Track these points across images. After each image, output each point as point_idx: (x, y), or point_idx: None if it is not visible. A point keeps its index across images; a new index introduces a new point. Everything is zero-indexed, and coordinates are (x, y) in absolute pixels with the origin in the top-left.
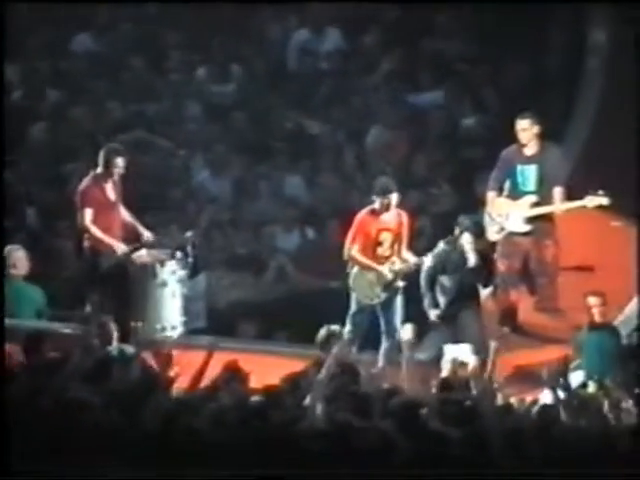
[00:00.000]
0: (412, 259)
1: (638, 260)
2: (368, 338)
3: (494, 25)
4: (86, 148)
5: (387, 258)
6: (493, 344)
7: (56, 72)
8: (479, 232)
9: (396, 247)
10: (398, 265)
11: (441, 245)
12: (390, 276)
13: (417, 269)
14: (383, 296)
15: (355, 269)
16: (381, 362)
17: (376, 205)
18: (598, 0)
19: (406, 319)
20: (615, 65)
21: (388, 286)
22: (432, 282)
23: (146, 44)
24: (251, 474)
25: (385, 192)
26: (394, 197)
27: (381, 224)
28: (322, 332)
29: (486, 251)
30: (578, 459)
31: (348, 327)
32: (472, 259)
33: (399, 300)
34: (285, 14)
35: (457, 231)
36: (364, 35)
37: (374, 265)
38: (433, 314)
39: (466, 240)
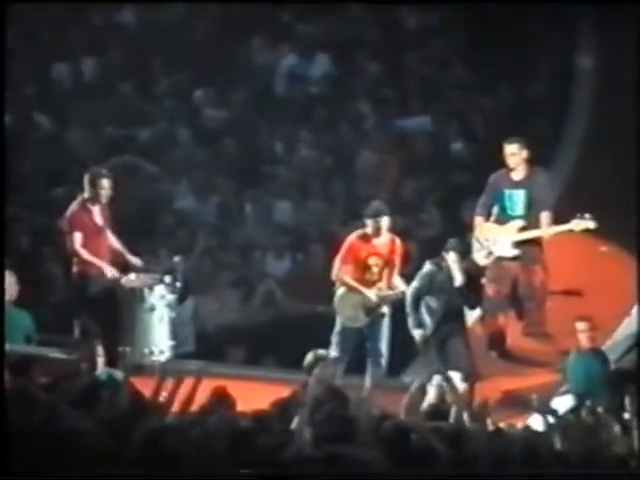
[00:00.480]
0: (401, 286)
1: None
2: (358, 362)
3: (482, 50)
4: (75, 173)
5: (375, 283)
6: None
7: (43, 97)
8: (465, 251)
9: (386, 273)
10: (385, 291)
11: (427, 266)
12: (375, 301)
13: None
14: (366, 320)
15: (341, 291)
16: (367, 386)
17: (368, 229)
18: (584, 26)
19: (393, 344)
20: (603, 91)
21: (372, 311)
22: (417, 302)
23: (134, 69)
24: None
25: (376, 215)
26: (385, 221)
27: (372, 248)
28: (309, 357)
29: (472, 271)
30: None
31: (333, 349)
32: (458, 279)
33: (385, 325)
34: (274, 39)
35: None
36: (352, 60)
37: (361, 288)
38: (417, 334)
39: (452, 259)
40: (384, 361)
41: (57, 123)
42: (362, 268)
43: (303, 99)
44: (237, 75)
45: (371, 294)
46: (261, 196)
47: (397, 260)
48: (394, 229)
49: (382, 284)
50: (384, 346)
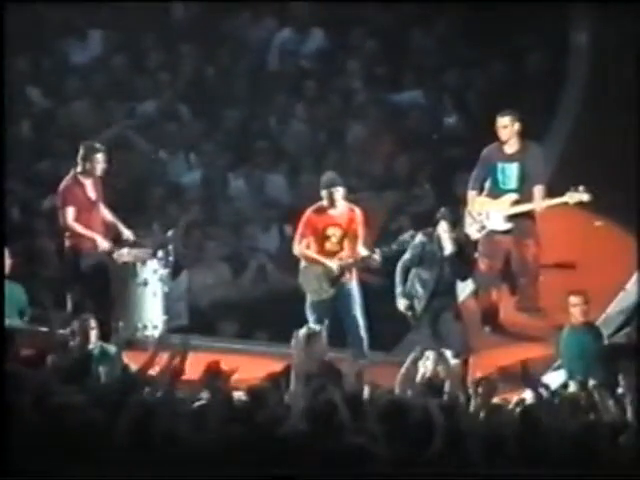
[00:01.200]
0: (365, 253)
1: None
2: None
3: (475, 24)
4: (68, 146)
5: (335, 253)
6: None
7: (37, 71)
8: (455, 221)
9: (347, 243)
10: (346, 260)
11: (419, 237)
12: (337, 271)
13: (369, 263)
14: (332, 291)
15: (303, 265)
16: (351, 359)
17: (324, 201)
18: (578, 3)
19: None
20: (597, 64)
21: (336, 281)
22: (406, 273)
23: (127, 45)
24: (234, 475)
25: (330, 186)
26: (339, 191)
27: (329, 219)
28: (302, 331)
29: (463, 241)
30: (559, 460)
31: (309, 324)
32: (448, 248)
33: (356, 294)
34: (267, 14)
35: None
36: (346, 35)
37: (321, 259)
38: (402, 304)
39: (442, 229)
40: (363, 331)
41: (51, 97)
42: (321, 240)
43: (296, 73)
44: (230, 50)
45: (332, 264)
46: (253, 170)
47: (358, 229)
48: (387, 204)
49: (343, 253)
50: (359, 316)
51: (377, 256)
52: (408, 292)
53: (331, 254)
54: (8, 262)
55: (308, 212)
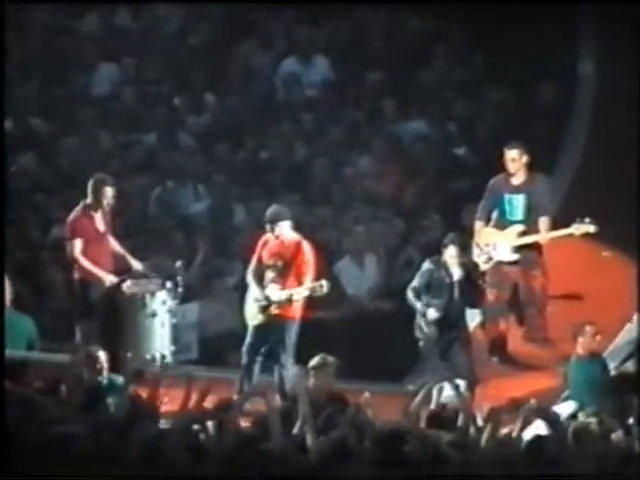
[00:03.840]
0: (307, 285)
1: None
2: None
3: (483, 55)
4: (76, 179)
5: (273, 283)
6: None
7: (44, 102)
8: (464, 245)
9: (292, 276)
10: (278, 294)
11: (426, 264)
12: (264, 302)
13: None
14: (261, 319)
15: (248, 290)
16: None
17: (268, 233)
18: (586, 31)
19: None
20: (604, 95)
21: (263, 311)
22: (418, 296)
23: (133, 75)
24: None
25: (274, 221)
26: (285, 225)
27: (270, 250)
28: (316, 360)
29: (471, 267)
30: None
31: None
32: (457, 273)
33: (291, 331)
34: (272, 42)
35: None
36: (352, 65)
37: (254, 285)
38: (431, 314)
39: (450, 254)
40: (285, 370)
41: (56, 129)
42: (263, 269)
43: (302, 103)
44: (235, 79)
45: (261, 293)
46: (260, 200)
47: (303, 263)
48: (395, 233)
49: (278, 286)
50: (288, 354)
51: (324, 287)
52: (426, 305)
53: (268, 283)
54: (16, 294)
55: (262, 238)
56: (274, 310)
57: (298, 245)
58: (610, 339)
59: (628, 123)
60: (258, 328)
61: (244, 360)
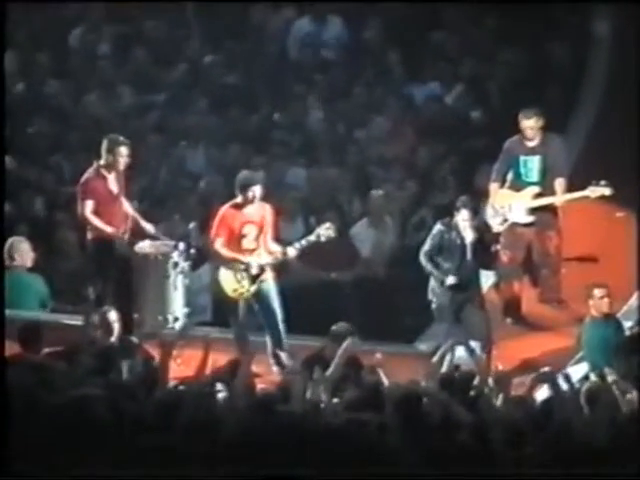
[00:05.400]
0: (277, 249)
1: (639, 252)
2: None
3: (496, 16)
4: (91, 139)
5: (253, 251)
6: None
7: (57, 63)
8: (476, 208)
9: (261, 239)
10: (265, 258)
11: (437, 226)
12: (256, 269)
13: (285, 259)
14: (252, 289)
15: (220, 265)
16: (270, 359)
17: (238, 199)
18: None
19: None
20: (618, 56)
21: (255, 279)
22: (432, 259)
23: (146, 37)
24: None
25: (247, 185)
26: (257, 190)
27: (244, 217)
28: (336, 327)
29: (484, 230)
30: (582, 452)
31: (233, 326)
32: (469, 236)
33: (274, 293)
34: (285, 3)
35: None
36: (366, 26)
37: (240, 257)
38: (450, 280)
39: (463, 217)
40: (281, 324)
41: (72, 89)
42: (237, 238)
43: (315, 64)
44: (248, 40)
45: (253, 261)
46: (273, 162)
47: (269, 225)
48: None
49: (259, 251)
50: (278, 314)
51: (292, 251)
52: (442, 271)
53: (247, 252)
54: (31, 255)
55: (224, 209)
56: (262, 277)
57: (262, 208)
58: (624, 301)
59: None
60: (250, 299)
61: (237, 333)
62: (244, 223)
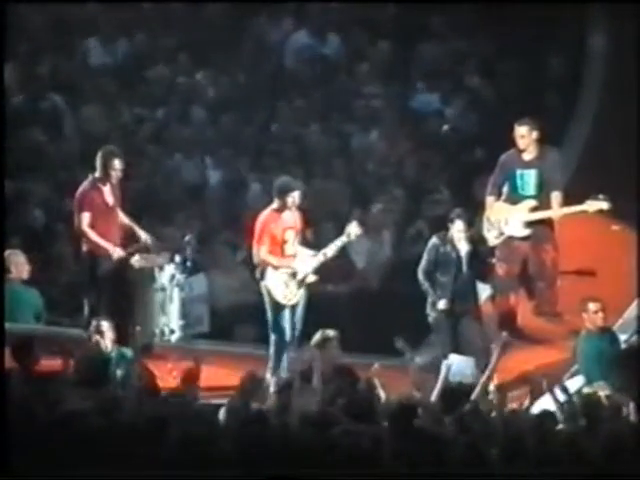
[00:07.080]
0: (308, 253)
1: (638, 264)
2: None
3: (492, 27)
4: (86, 152)
5: (293, 256)
6: (495, 352)
7: (57, 76)
8: (470, 220)
9: (297, 244)
10: (308, 262)
11: (432, 240)
12: (303, 273)
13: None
14: (300, 294)
15: (269, 272)
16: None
17: (275, 205)
18: (596, 8)
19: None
20: (615, 69)
21: (301, 283)
22: (429, 277)
23: (145, 48)
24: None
25: (287, 191)
26: (297, 196)
27: (285, 223)
28: (317, 336)
29: (478, 241)
30: (577, 464)
31: (275, 334)
32: (464, 248)
33: (303, 300)
34: (283, 16)
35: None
36: (362, 39)
37: (288, 263)
38: (441, 305)
39: (457, 229)
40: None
41: (71, 102)
42: (280, 244)
43: (312, 77)
44: (246, 52)
45: (300, 267)
46: (270, 174)
47: (301, 230)
48: (404, 208)
49: (300, 256)
50: (300, 320)
51: (330, 252)
52: (438, 293)
53: (290, 257)
54: (27, 268)
55: (264, 216)
56: (310, 279)
57: (296, 214)
58: (620, 314)
59: (639, 97)
60: (296, 305)
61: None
62: (285, 229)
